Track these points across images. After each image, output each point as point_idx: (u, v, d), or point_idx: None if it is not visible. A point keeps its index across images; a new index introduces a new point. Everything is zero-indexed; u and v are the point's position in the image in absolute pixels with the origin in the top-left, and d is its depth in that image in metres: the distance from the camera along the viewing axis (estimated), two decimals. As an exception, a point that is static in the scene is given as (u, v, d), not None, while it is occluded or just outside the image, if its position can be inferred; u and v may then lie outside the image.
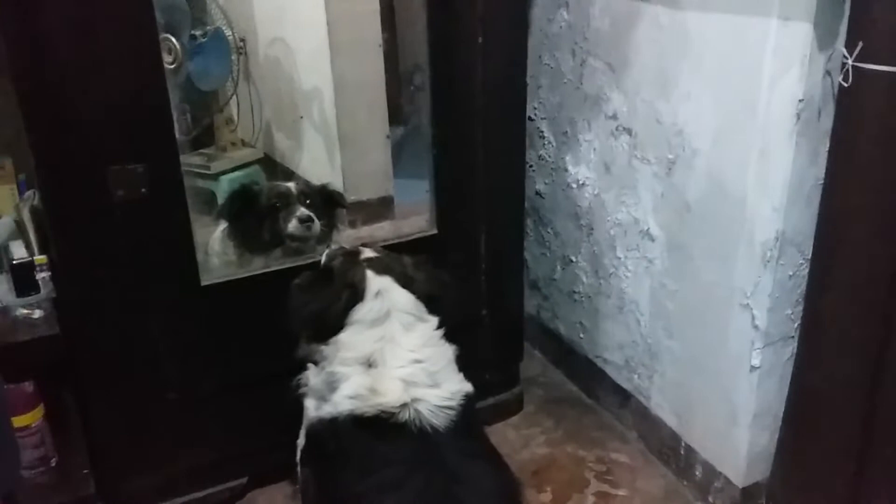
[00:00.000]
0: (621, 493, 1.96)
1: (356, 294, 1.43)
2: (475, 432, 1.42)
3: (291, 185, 2.05)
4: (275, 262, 1.94)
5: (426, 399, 1.35)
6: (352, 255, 1.54)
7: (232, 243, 2.01)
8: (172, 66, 2.43)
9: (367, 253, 1.54)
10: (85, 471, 1.76)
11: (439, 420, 1.33)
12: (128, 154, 1.55)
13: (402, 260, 1.55)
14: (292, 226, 1.95)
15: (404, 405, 1.33)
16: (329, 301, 1.44)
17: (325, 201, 2.07)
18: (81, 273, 1.61)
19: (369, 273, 1.46)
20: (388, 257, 1.55)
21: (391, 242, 1.87)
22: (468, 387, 1.44)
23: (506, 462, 1.46)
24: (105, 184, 1.55)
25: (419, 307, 1.46)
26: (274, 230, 1.98)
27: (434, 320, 1.47)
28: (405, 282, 1.47)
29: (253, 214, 1.99)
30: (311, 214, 1.96)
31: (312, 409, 1.45)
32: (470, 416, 1.40)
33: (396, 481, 1.28)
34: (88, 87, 1.48)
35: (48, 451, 1.77)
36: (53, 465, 1.78)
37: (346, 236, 2.17)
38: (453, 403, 1.37)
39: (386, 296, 1.43)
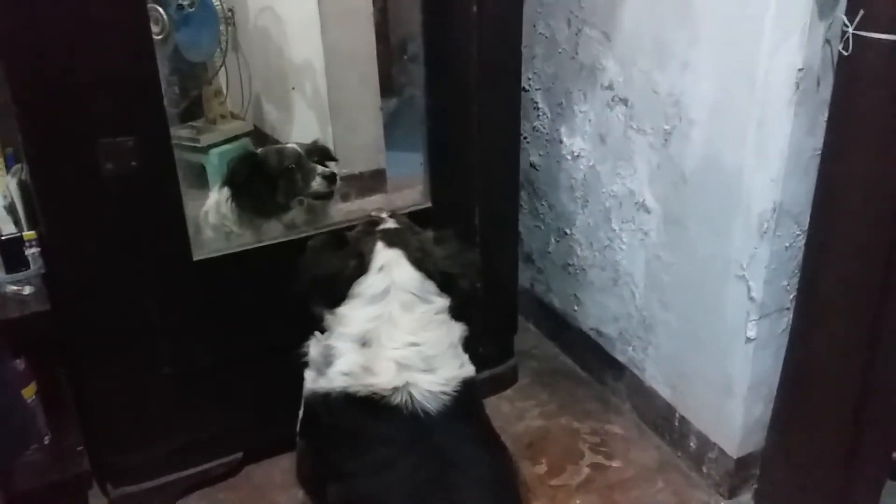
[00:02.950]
0: (615, 464, 1.97)
1: (362, 265, 1.38)
2: (473, 417, 1.38)
3: (295, 146, 2.06)
4: (286, 226, 1.99)
5: (419, 384, 1.31)
6: (370, 224, 1.49)
7: (233, 212, 2.01)
8: (160, 37, 2.38)
9: (388, 223, 1.49)
10: (79, 448, 1.76)
11: (433, 404, 1.30)
12: (117, 127, 1.52)
13: (421, 234, 1.48)
14: (317, 183, 1.99)
15: (396, 388, 1.30)
16: (336, 268, 1.39)
17: (320, 157, 2.09)
18: (71, 248, 1.58)
19: (380, 245, 1.40)
20: (407, 230, 1.48)
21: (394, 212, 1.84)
22: (468, 371, 1.39)
23: (505, 447, 1.43)
24: (94, 157, 1.52)
25: (425, 286, 1.39)
26: (291, 192, 2.00)
27: (440, 301, 1.39)
28: (418, 257, 1.40)
29: (264, 179, 2.00)
30: (333, 170, 2.01)
31: (310, 380, 1.42)
32: (468, 401, 1.35)
33: (386, 462, 1.26)
34: (76, 58, 1.45)
35: (41, 429, 1.76)
36: (47, 442, 1.77)
37: (336, 210, 2.17)
38: (448, 389, 1.32)
39: (389, 271, 1.37)
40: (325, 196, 2.01)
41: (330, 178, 1.99)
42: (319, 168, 2.00)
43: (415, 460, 1.27)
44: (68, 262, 1.60)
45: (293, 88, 2.68)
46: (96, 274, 1.61)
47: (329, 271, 1.40)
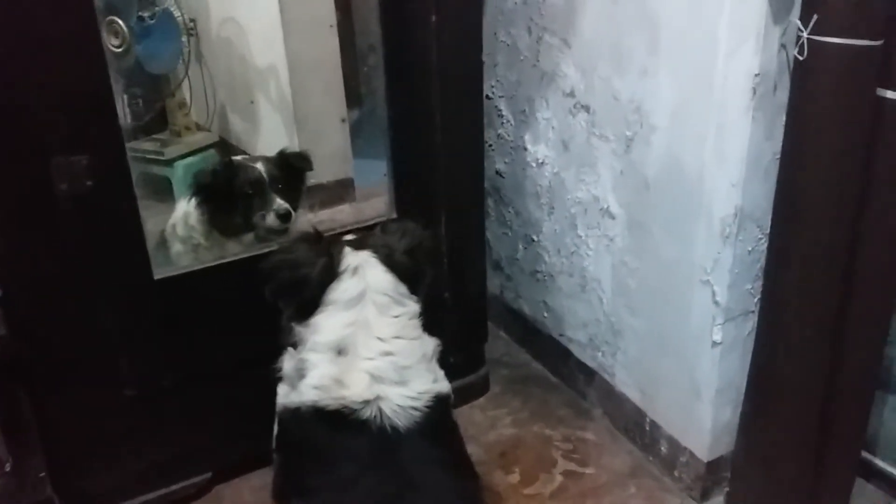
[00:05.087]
0: (588, 471, 1.97)
1: (331, 266, 1.37)
2: (444, 438, 1.37)
3: (261, 166, 2.01)
4: (246, 247, 1.94)
5: (390, 398, 1.30)
6: (335, 237, 1.51)
7: (201, 224, 1.99)
8: (120, 50, 2.35)
9: (349, 236, 1.51)
10: (41, 474, 1.72)
11: (402, 421, 1.29)
12: (70, 145, 1.49)
13: (375, 233, 1.50)
14: (270, 220, 1.95)
15: (367, 402, 1.29)
16: (306, 269, 1.38)
17: (290, 168, 2.05)
18: (27, 270, 1.55)
19: (347, 249, 1.41)
20: (366, 235, 1.51)
21: (350, 228, 1.84)
22: (441, 387, 1.38)
23: (475, 473, 1.43)
24: (48, 177, 1.49)
25: (398, 288, 1.40)
26: (248, 217, 1.96)
27: (413, 305, 1.41)
28: (386, 254, 1.41)
29: (225, 198, 1.96)
30: (289, 208, 1.95)
31: (282, 395, 1.41)
32: (438, 419, 1.35)
33: (349, 479, 1.26)
34: (25, 74, 1.42)
35: (2, 456, 1.72)
36: (8, 469, 1.73)
37: (305, 221, 2.14)
38: (419, 404, 1.32)
39: (362, 274, 1.37)
40: (279, 232, 1.96)
41: (284, 217, 1.94)
42: (276, 202, 1.95)
43: (378, 479, 1.27)
44: (24, 284, 1.57)
45: (251, 102, 2.65)
46: (54, 296, 1.58)
47: (299, 270, 1.39)
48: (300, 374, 1.36)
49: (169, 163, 2.69)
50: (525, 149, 2.17)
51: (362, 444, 1.29)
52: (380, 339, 1.35)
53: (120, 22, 2.33)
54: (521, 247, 2.32)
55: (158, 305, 1.69)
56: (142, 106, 2.68)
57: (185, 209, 2.04)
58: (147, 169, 2.61)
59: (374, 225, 1.85)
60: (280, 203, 1.95)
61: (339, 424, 1.30)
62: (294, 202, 2.02)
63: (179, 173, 2.64)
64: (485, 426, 2.13)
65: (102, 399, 1.69)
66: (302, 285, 1.38)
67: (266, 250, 1.77)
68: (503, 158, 2.29)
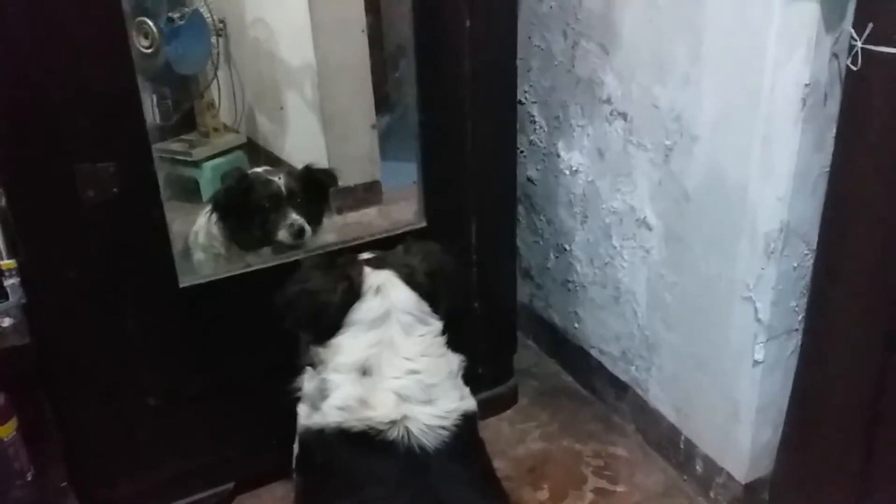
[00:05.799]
0: (620, 489, 1.91)
1: (352, 288, 1.34)
2: (472, 457, 1.33)
3: (281, 180, 1.97)
4: (265, 260, 1.88)
5: (417, 417, 1.27)
6: (350, 256, 1.47)
7: (220, 236, 1.96)
8: (150, 51, 2.34)
9: (365, 255, 1.47)
10: (63, 483, 1.71)
11: (430, 440, 1.26)
12: (97, 152, 1.46)
13: (396, 252, 1.47)
14: (282, 235, 1.92)
15: (394, 422, 1.26)
16: (325, 296, 1.35)
17: (313, 183, 2.01)
18: (52, 278, 1.53)
19: (367, 269, 1.38)
20: (385, 253, 1.47)
21: (380, 237, 1.80)
22: (468, 405, 1.35)
23: (503, 490, 1.39)
24: (74, 184, 1.46)
25: (421, 307, 1.36)
26: (264, 231, 1.93)
27: (437, 323, 1.37)
28: (407, 273, 1.38)
29: (243, 211, 1.94)
30: (304, 224, 1.93)
31: (303, 416, 1.38)
32: (466, 438, 1.31)
33: (377, 501, 1.22)
34: (52, 81, 1.39)
35: (23, 465, 1.70)
36: (29, 479, 1.71)
37: (332, 224, 2.11)
38: (447, 423, 1.28)
39: (386, 293, 1.34)
40: (292, 248, 1.92)
41: (297, 233, 1.92)
42: (291, 217, 1.92)
43: (407, 501, 1.23)
44: (49, 293, 1.55)
45: (281, 108, 2.63)
46: (78, 304, 1.56)
47: (318, 301, 1.35)
48: (322, 394, 1.32)
49: (197, 164, 2.67)
50: (558, 156, 2.12)
51: (390, 466, 1.26)
52: (406, 358, 1.32)
53: (150, 22, 2.31)
54: (552, 255, 2.27)
55: (183, 314, 1.66)
56: (170, 106, 2.67)
57: (207, 218, 2.02)
58: (175, 170, 2.59)
59: (402, 234, 1.82)
60: (294, 218, 1.92)
61: (365, 446, 1.26)
62: (315, 217, 1.99)
63: (207, 175, 2.63)
64: (513, 440, 2.08)
65: (125, 408, 1.67)
66: (322, 313, 1.35)
67: (291, 259, 1.75)
68: (535, 165, 2.24)
